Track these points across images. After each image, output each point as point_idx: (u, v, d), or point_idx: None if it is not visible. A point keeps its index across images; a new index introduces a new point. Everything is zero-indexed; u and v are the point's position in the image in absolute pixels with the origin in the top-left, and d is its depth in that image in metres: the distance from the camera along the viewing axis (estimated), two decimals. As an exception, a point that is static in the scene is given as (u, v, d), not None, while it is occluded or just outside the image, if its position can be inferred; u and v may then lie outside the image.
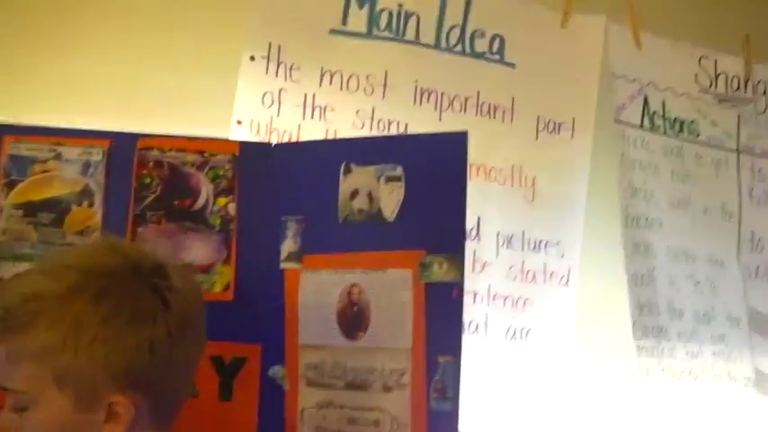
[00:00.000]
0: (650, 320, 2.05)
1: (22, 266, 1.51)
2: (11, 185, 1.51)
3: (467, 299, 1.97)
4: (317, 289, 1.46)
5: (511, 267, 2.05)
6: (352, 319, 1.43)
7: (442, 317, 1.38)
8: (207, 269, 1.52)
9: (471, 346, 1.86)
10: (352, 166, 1.49)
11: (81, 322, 1.10)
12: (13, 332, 1.10)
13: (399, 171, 1.46)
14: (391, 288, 1.40)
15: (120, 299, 1.12)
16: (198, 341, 1.23)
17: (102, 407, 1.12)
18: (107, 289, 1.12)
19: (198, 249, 1.52)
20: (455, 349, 1.37)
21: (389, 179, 1.47)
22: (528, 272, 2.08)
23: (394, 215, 1.45)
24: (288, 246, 1.50)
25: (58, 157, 1.53)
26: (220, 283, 1.52)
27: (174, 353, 1.15)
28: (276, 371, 1.49)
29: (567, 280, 2.07)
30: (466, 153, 1.45)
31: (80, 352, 1.09)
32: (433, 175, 1.44)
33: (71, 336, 1.09)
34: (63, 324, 1.09)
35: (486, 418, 1.95)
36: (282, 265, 1.49)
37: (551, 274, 2.07)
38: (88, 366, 1.10)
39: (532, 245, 2.08)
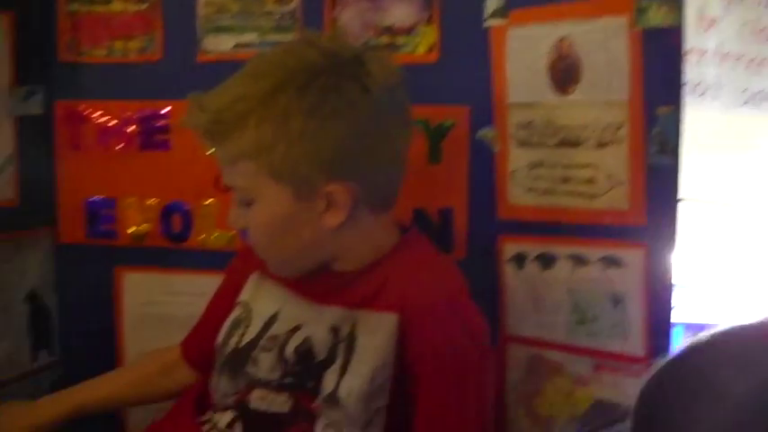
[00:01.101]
0: None
1: (224, 38, 1.53)
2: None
3: (692, 58, 1.84)
4: (524, 45, 1.38)
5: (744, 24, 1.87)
6: (563, 73, 1.34)
7: (660, 65, 1.26)
8: (409, 30, 1.46)
9: (698, 109, 1.74)
10: None
11: (287, 118, 1.13)
12: (227, 134, 1.15)
13: None
14: (604, 37, 1.29)
15: (322, 91, 1.13)
16: (403, 124, 1.23)
17: (319, 196, 1.16)
18: (309, 83, 1.14)
19: (399, 10, 1.47)
20: (675, 99, 1.26)
21: None
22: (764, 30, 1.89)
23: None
24: (493, 1, 1.41)
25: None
26: (424, 44, 1.46)
27: (382, 137, 1.17)
28: (485, 132, 1.44)
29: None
30: None
31: (290, 146, 1.13)
32: None
33: (280, 131, 1.13)
34: (271, 121, 1.13)
35: (707, 180, 1.83)
36: (488, 23, 1.41)
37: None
38: (300, 158, 1.14)
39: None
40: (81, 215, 1.62)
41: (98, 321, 1.63)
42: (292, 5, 1.51)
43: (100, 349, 1.63)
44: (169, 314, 1.60)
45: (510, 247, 1.42)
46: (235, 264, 1.41)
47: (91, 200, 1.62)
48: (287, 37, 1.51)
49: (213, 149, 1.20)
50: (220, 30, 1.53)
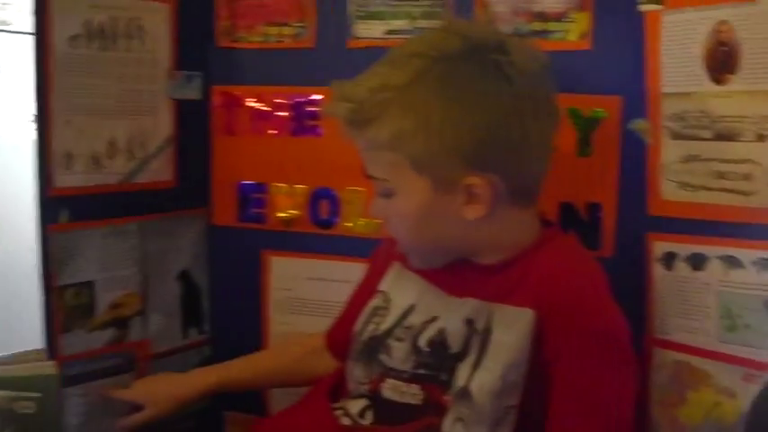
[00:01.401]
0: None
1: (375, 24, 1.53)
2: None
3: None
4: (680, 30, 1.30)
5: None
6: (721, 60, 1.25)
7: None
8: (560, 17, 1.41)
9: None
10: None
11: (428, 108, 1.11)
12: (368, 124, 1.15)
13: None
14: (766, 21, 1.20)
15: (464, 80, 1.12)
16: (547, 114, 1.19)
17: (460, 189, 1.14)
18: (450, 72, 1.12)
19: (547, -5, 1.42)
20: None
21: None
22: None
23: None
24: (648, -15, 1.34)
25: None
26: (575, 31, 1.41)
27: (525, 129, 1.13)
28: (637, 123, 1.37)
29: None
30: None
31: (431, 136, 1.11)
32: None
33: (420, 122, 1.11)
34: (411, 111, 1.12)
35: None
36: (642, 8, 1.34)
37: None
38: (440, 149, 1.12)
39: None
40: (233, 198, 1.67)
41: (246, 303, 1.68)
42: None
43: (247, 329, 1.67)
44: (314, 299, 1.62)
45: (659, 246, 1.35)
46: (378, 253, 1.41)
47: (243, 184, 1.66)
48: (437, 23, 1.49)
49: (354, 139, 1.20)
50: (371, 16, 1.53)
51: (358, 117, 1.15)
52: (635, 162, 1.37)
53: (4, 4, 1.94)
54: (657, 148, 1.35)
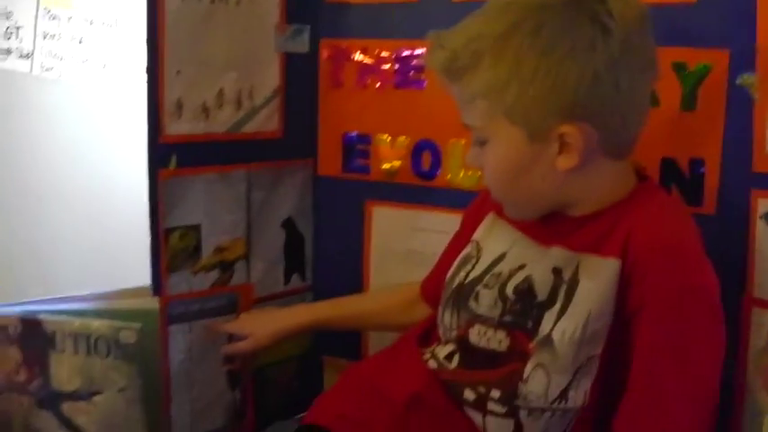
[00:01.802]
0: None
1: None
2: None
3: None
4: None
5: None
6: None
7: None
8: (667, -31, 1.38)
9: None
10: None
11: (521, 57, 1.11)
12: (462, 73, 1.16)
13: None
14: None
15: (559, 30, 1.11)
16: (645, 67, 1.17)
17: (553, 138, 1.14)
18: (544, 22, 1.12)
19: (659, -52, 1.38)
20: None
21: None
22: None
23: None
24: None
25: None
26: (683, -18, 1.37)
27: (619, 80, 1.12)
28: (745, 78, 1.33)
29: None
30: None
31: (524, 86, 1.12)
32: None
33: (513, 71, 1.12)
34: (505, 61, 1.12)
35: None
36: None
37: None
38: (533, 99, 1.12)
39: None
40: (338, 149, 1.70)
41: (348, 252, 1.72)
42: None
43: (349, 278, 1.71)
44: (414, 250, 1.65)
45: (763, 203, 1.31)
46: (473, 205, 1.42)
47: (348, 135, 1.69)
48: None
49: (450, 87, 1.21)
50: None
51: (453, 66, 1.17)
52: (741, 118, 1.33)
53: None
54: (765, 105, 1.30)
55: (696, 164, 1.39)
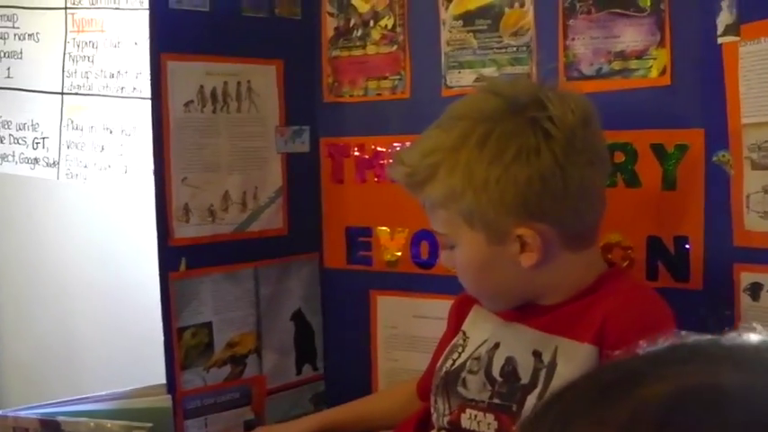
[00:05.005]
0: None
1: (466, 73, 1.60)
2: (450, -1, 1.60)
3: None
4: (757, 61, 1.31)
5: None
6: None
7: None
8: (640, 54, 1.44)
9: None
10: None
11: (472, 167, 1.19)
12: (422, 185, 1.24)
13: None
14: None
15: (504, 139, 1.18)
16: (593, 161, 1.23)
17: (512, 239, 1.21)
18: (491, 131, 1.19)
19: (630, 35, 1.45)
20: None
21: None
22: None
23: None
24: (724, 18, 1.35)
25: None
26: (656, 67, 1.44)
27: (567, 179, 1.18)
28: (720, 156, 1.38)
29: None
30: None
31: (477, 193, 1.19)
32: None
33: (467, 181, 1.20)
34: (458, 171, 1.20)
35: None
36: (719, 41, 1.35)
37: None
38: (488, 205, 1.19)
39: None
40: (342, 242, 1.77)
41: (356, 340, 1.77)
42: (527, 38, 1.55)
43: (358, 365, 1.76)
44: (417, 336, 1.69)
45: (746, 276, 1.34)
46: (454, 306, 1.46)
47: (350, 228, 1.76)
48: (523, 69, 1.55)
49: (416, 198, 1.29)
50: (462, 65, 1.61)
51: (413, 180, 1.26)
52: (719, 194, 1.38)
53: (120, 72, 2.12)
54: (740, 179, 1.35)
55: (681, 241, 1.43)
